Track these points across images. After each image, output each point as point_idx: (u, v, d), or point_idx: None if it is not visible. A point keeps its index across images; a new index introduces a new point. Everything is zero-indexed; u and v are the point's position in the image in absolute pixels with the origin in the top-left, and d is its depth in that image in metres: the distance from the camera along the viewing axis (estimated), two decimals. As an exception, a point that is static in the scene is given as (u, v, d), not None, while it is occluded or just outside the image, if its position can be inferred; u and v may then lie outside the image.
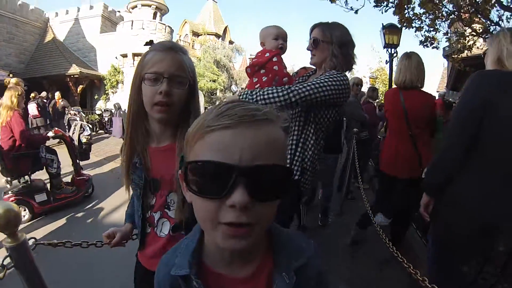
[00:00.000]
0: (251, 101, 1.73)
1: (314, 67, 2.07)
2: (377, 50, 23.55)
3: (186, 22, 24.68)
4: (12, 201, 3.82)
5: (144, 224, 1.23)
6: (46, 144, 4.60)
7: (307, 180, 1.88)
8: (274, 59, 2.02)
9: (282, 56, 2.09)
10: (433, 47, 6.11)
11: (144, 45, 1.22)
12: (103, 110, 15.56)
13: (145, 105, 1.11)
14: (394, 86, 3.12)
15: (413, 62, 2.76)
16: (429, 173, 1.80)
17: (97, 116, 15.44)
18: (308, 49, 2.02)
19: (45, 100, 11.20)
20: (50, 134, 4.64)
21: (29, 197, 4.17)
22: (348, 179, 4.77)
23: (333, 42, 1.87)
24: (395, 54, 7.07)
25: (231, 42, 26.58)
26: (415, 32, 5.89)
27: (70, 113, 11.41)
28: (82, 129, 5.59)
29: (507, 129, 1.45)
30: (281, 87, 1.76)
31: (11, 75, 16.12)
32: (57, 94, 11.91)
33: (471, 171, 1.56)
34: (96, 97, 20.17)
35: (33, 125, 10.48)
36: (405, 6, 5.54)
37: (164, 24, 19.93)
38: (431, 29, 5.84)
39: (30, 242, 1.25)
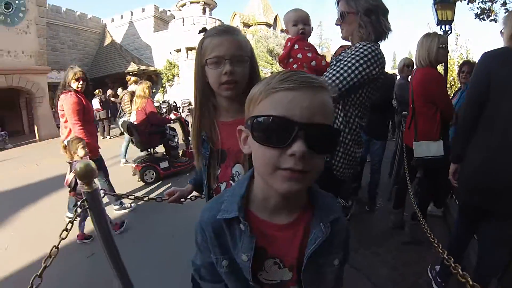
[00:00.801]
0: None
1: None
2: (433, 29, 21.72)
3: (235, 14, 24.56)
4: (143, 166, 5.34)
5: (211, 194, 1.30)
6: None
7: (340, 163, 1.77)
8: (295, 46, 2.03)
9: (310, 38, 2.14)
10: (490, 20, 5.34)
11: (199, 33, 1.26)
12: (161, 102, 16.23)
13: (212, 85, 1.17)
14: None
15: (424, 42, 2.80)
16: (452, 144, 2.19)
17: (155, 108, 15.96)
18: (336, 24, 1.91)
19: (107, 97, 11.94)
20: (172, 116, 6.29)
21: (156, 164, 5.47)
22: (399, 165, 4.34)
23: (359, 12, 1.73)
24: (449, 32, 6.18)
25: (282, 31, 25.91)
26: (468, 4, 5.27)
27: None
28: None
29: (504, 96, 1.73)
30: None
31: None
32: (119, 90, 12.47)
33: (477, 134, 1.86)
34: (154, 90, 20.86)
35: (96, 118, 11.29)
36: None
37: (214, 18, 20.09)
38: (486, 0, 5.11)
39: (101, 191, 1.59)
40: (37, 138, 12.36)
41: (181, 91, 18.74)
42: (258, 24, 23.99)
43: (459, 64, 4.66)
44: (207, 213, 0.77)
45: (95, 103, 11.15)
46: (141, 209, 4.23)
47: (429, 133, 2.82)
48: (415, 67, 3.61)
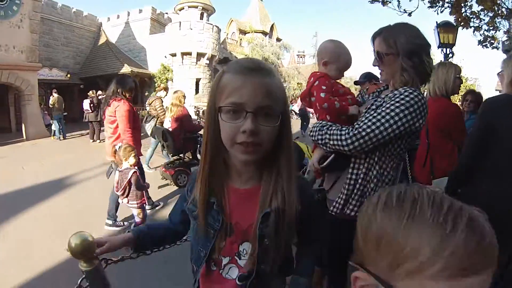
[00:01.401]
0: (318, 138, 1.71)
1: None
2: (432, 53, 22.24)
3: (232, 20, 24.72)
4: (175, 171, 5.71)
5: (209, 263, 1.07)
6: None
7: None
8: (316, 83, 1.83)
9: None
10: (493, 47, 5.55)
11: (217, 63, 1.10)
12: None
13: (224, 141, 0.90)
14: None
15: (441, 72, 2.72)
16: (449, 180, 2.14)
17: (147, 111, 15.82)
18: (374, 65, 1.74)
19: (99, 98, 11.60)
20: (202, 123, 6.54)
21: (187, 168, 5.85)
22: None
23: (400, 53, 1.55)
24: (450, 55, 6.36)
25: (278, 40, 26.39)
26: (474, 32, 5.42)
27: None
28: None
29: (508, 145, 1.79)
30: (346, 130, 1.58)
31: (68, 75, 17.25)
32: (99, 92, 12.45)
33: (481, 177, 1.89)
34: (146, 94, 20.55)
35: (85, 119, 11.38)
36: (462, 4, 5.17)
37: (211, 24, 20.01)
38: (491, 27, 5.30)
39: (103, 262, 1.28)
40: (24, 137, 12.10)
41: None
42: (255, 32, 24.14)
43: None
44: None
45: (86, 105, 11.09)
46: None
47: (447, 169, 2.56)
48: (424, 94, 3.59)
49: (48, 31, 18.10)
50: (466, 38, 6.61)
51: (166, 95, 7.34)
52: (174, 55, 19.50)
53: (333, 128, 1.64)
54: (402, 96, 1.50)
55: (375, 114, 1.52)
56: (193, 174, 1.11)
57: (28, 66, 12.24)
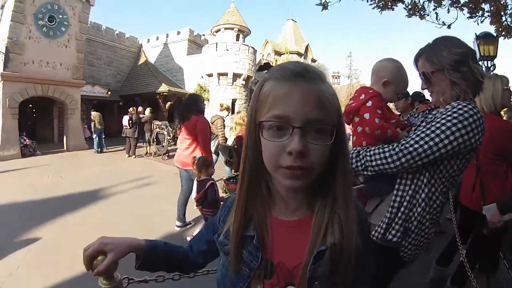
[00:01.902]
0: (358, 164, 1.57)
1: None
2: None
3: (268, 42, 25.02)
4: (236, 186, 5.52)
5: None
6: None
7: (410, 245, 1.50)
8: (368, 103, 1.65)
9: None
10: None
11: (258, 70, 0.86)
12: None
13: (267, 164, 0.72)
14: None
15: (491, 85, 2.43)
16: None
17: None
18: (423, 88, 1.65)
19: (140, 116, 12.07)
20: None
21: None
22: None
23: (445, 67, 1.45)
24: (492, 68, 6.16)
25: (313, 60, 26.35)
26: None
27: (158, 127, 12.50)
28: None
29: None
30: (390, 147, 1.47)
31: (109, 92, 18.07)
32: (140, 108, 12.84)
33: None
34: None
35: (123, 134, 11.79)
36: (502, 13, 4.83)
37: (247, 45, 20.29)
38: None
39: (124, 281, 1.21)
40: (65, 148, 12.87)
41: (210, 116, 18.49)
42: (290, 53, 24.27)
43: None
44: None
45: (125, 121, 11.48)
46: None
47: (499, 193, 2.39)
48: None
49: (92, 51, 19.08)
50: (508, 50, 6.21)
51: (227, 115, 7.51)
52: (210, 75, 19.82)
53: (373, 148, 1.54)
54: (455, 110, 1.38)
55: (424, 130, 1.41)
56: (227, 201, 0.94)
57: (73, 82, 13.05)
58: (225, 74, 19.03)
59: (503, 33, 5.08)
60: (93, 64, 19.26)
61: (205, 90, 20.22)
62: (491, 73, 4.77)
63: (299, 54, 24.99)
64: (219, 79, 19.46)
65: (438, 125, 1.38)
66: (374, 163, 1.50)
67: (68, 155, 11.49)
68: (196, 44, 22.80)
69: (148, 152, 12.20)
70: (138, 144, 12.00)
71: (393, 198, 1.54)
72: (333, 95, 0.72)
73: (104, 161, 10.71)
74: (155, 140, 12.22)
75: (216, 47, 19.65)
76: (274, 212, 0.83)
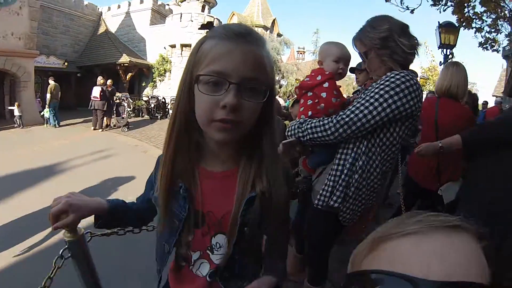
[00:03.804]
0: (300, 134, 1.66)
1: None
2: (430, 49, 21.97)
3: (234, 14, 24.54)
4: None
5: (178, 260, 0.95)
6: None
7: (349, 210, 1.61)
8: (325, 84, 1.80)
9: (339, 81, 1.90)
10: (493, 50, 5.59)
11: (199, 28, 0.83)
12: (150, 97, 16.01)
13: (199, 117, 0.76)
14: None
15: (461, 72, 2.62)
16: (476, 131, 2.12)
17: (143, 102, 16.11)
18: (364, 67, 1.79)
19: (109, 89, 11.64)
20: None
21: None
22: (388, 185, 4.46)
23: (373, 46, 1.55)
24: (450, 56, 6.46)
25: (279, 35, 26.23)
26: (475, 33, 5.43)
27: (118, 99, 12.24)
28: None
29: None
30: (328, 119, 1.55)
31: (66, 63, 17.24)
32: (109, 82, 12.16)
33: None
34: (144, 84, 20.79)
35: (91, 106, 11.17)
36: (465, 4, 5.16)
37: (213, 17, 19.92)
38: (493, 30, 5.35)
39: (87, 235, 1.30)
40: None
41: (172, 88, 18.46)
42: (256, 26, 24.02)
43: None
44: None
45: (95, 92, 10.97)
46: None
47: (452, 174, 2.62)
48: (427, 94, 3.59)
49: (47, 19, 17.93)
50: (466, 40, 6.61)
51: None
52: (173, 46, 19.38)
53: (314, 121, 1.62)
54: (387, 79, 1.45)
55: (360, 100, 1.49)
56: (160, 157, 0.96)
57: (26, 53, 12.25)
58: (189, 46, 18.58)
59: (464, 23, 5.34)
60: (48, 33, 18.13)
61: (167, 62, 19.84)
62: (449, 60, 5.06)
63: (265, 28, 24.72)
64: (182, 51, 19.08)
65: (371, 94, 1.46)
66: (315, 135, 1.58)
67: (21, 131, 10.90)
68: (160, 14, 21.95)
69: (108, 124, 11.89)
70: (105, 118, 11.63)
71: (335, 167, 1.63)
72: (270, 60, 0.79)
73: (61, 135, 10.34)
74: (114, 112, 12.06)
75: (181, 18, 19.19)
76: (203, 164, 0.87)
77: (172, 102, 15.59)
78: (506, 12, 4.94)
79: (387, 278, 0.37)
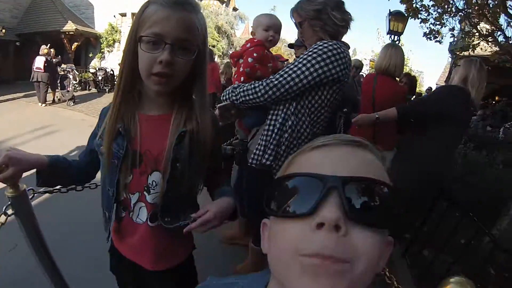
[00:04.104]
0: (234, 98, 1.76)
1: None
2: (382, 35, 23.08)
3: (189, -16, 23.57)
4: None
5: (118, 210, 1.05)
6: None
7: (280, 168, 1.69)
8: (251, 49, 1.98)
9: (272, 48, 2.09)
10: (436, 41, 5.94)
11: None
12: (97, 69, 15.19)
13: (140, 71, 0.92)
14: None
15: (399, 53, 2.91)
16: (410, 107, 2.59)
17: (90, 74, 15.24)
18: (299, 37, 1.92)
19: (54, 59, 10.78)
20: None
21: None
22: None
23: (307, 17, 1.69)
24: (398, 42, 7.06)
25: (235, 9, 25.82)
26: (420, 23, 5.73)
27: (63, 70, 11.31)
28: None
29: (455, 124, 2.36)
30: (259, 83, 1.65)
31: (3, 30, 15.55)
32: (52, 51, 11.30)
33: (432, 139, 2.40)
34: (91, 55, 19.47)
35: (34, 78, 10.11)
36: None
37: (167, -15, 18.86)
38: (437, 22, 5.64)
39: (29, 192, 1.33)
40: None
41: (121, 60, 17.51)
42: (211, -1, 23.46)
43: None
44: None
45: (38, 62, 9.96)
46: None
47: (386, 144, 2.91)
48: (366, 70, 3.96)
49: (-21, -22, 15.84)
50: (414, 31, 6.97)
51: None
52: (124, 15, 18.40)
53: (246, 85, 1.73)
54: (315, 47, 1.59)
55: (289, 66, 1.63)
56: (105, 108, 1.09)
57: None
58: (141, 16, 17.82)
59: (412, 14, 5.63)
60: (-19, -5, 16.06)
61: (116, 31, 18.74)
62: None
63: (221, 1, 24.16)
64: (132, 20, 18.09)
65: (300, 60, 1.58)
66: (247, 98, 1.69)
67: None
68: None
69: (53, 99, 11.08)
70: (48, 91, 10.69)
71: (266, 127, 1.74)
72: (203, 25, 0.95)
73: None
74: (59, 85, 11.22)
75: None
76: (143, 110, 1.01)
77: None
78: (453, 8, 5.24)
79: (301, 179, 0.42)
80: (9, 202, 1.18)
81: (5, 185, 1.10)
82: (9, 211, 1.21)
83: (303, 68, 1.54)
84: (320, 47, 1.55)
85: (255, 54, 1.96)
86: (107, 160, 0.97)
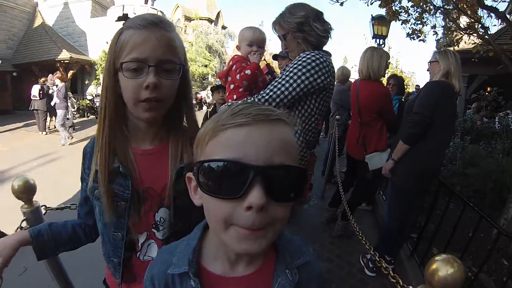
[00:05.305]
0: None
1: None
2: (369, 40, 23.72)
3: (178, 6, 24.41)
4: None
5: (124, 252, 0.94)
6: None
7: None
8: (233, 67, 2.01)
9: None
10: (419, 40, 6.07)
11: (116, 21, 0.89)
12: (94, 96, 15.36)
13: (127, 101, 0.85)
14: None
15: (376, 55, 2.97)
16: (411, 127, 2.44)
17: (88, 101, 15.32)
18: (286, 56, 2.06)
19: (51, 87, 10.66)
20: None
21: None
22: (331, 164, 4.83)
23: (290, 29, 1.73)
24: (383, 45, 7.17)
25: (224, 27, 26.51)
26: (402, 24, 5.83)
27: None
28: None
29: (447, 119, 2.40)
30: (251, 98, 1.68)
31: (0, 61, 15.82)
32: (50, 76, 11.08)
33: (428, 140, 2.39)
34: (87, 82, 19.80)
35: (31, 107, 10.34)
36: None
37: (156, 9, 19.70)
38: (418, 22, 5.76)
39: (42, 208, 1.50)
40: None
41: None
42: (200, 19, 24.03)
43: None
44: (159, 266, 0.67)
45: (34, 90, 10.11)
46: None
47: (377, 144, 3.06)
48: (354, 77, 4.01)
49: (-25, 11, 16.23)
50: (400, 33, 6.87)
51: None
52: (116, 41, 18.79)
53: (239, 102, 1.56)
54: (299, 58, 1.62)
55: (277, 79, 1.64)
56: (87, 147, 0.99)
57: None
58: (133, 41, 18.27)
59: (392, 16, 5.69)
60: (-24, 28, 16.47)
61: (111, 57, 19.15)
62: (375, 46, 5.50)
63: (210, 21, 24.84)
64: (108, 49, 18.38)
65: (286, 73, 1.60)
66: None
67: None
68: (101, 6, 20.98)
69: (54, 126, 10.87)
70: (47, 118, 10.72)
71: None
72: (180, 41, 0.89)
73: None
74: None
75: (123, 10, 18.28)
76: (135, 144, 0.92)
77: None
78: (431, 6, 5.27)
79: (229, 164, 0.49)
80: (24, 218, 1.33)
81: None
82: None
83: (291, 81, 1.57)
84: (304, 58, 1.59)
85: (238, 70, 1.99)
86: (108, 204, 0.87)
